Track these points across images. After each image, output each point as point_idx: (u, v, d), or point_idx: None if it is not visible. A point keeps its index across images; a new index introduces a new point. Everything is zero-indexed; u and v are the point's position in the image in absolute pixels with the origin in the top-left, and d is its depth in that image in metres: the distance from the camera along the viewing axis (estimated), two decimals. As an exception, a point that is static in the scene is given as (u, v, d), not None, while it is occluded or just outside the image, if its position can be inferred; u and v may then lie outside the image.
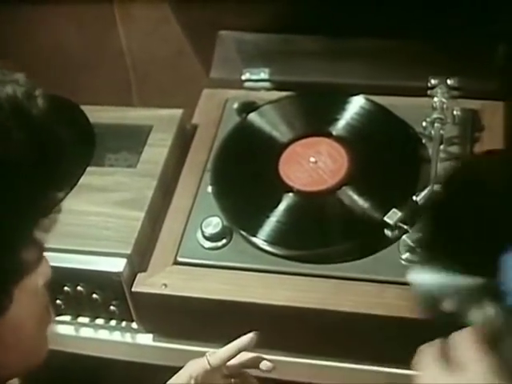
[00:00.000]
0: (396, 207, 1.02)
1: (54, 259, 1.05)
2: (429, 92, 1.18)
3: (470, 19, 1.12)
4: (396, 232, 1.02)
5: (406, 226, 1.01)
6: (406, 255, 1.01)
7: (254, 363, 0.94)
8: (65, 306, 1.12)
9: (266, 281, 1.03)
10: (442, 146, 1.11)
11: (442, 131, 1.11)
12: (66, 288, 1.09)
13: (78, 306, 1.11)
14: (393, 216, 1.01)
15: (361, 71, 1.24)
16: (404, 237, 1.02)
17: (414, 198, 1.04)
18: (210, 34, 1.29)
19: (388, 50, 1.21)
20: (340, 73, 1.24)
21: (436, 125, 1.11)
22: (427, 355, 0.74)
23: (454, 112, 1.13)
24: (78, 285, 1.08)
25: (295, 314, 1.00)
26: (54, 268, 1.05)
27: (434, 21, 1.15)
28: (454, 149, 1.13)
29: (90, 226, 1.09)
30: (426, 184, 1.05)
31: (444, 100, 1.14)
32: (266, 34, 1.26)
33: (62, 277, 1.07)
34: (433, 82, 1.19)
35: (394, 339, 0.96)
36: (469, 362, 0.70)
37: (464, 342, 0.71)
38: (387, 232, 1.02)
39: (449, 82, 1.18)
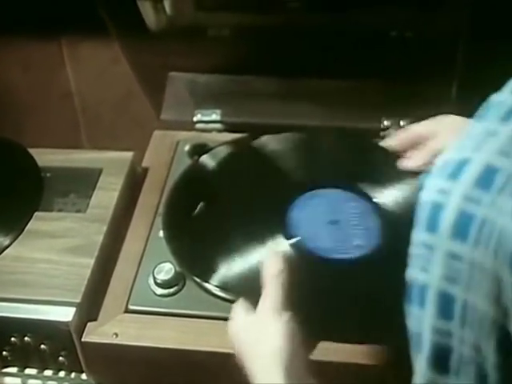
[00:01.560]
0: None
1: (0, 309, 1.04)
2: (382, 133, 1.18)
3: (421, 59, 1.13)
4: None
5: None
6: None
7: None
8: (11, 357, 1.08)
9: (222, 328, 1.00)
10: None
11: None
12: (12, 339, 1.05)
13: (25, 357, 1.07)
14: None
15: (313, 112, 1.23)
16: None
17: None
18: (161, 75, 1.27)
19: (340, 91, 1.21)
20: (292, 114, 1.24)
21: (391, 166, 1.11)
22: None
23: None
24: (25, 335, 1.04)
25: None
26: (0, 318, 1.04)
27: (385, 61, 1.15)
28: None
29: (38, 273, 1.06)
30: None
31: (397, 141, 1.14)
32: (217, 74, 1.25)
33: (9, 327, 1.04)
34: (386, 123, 1.19)
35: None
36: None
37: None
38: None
39: (402, 122, 1.18)
